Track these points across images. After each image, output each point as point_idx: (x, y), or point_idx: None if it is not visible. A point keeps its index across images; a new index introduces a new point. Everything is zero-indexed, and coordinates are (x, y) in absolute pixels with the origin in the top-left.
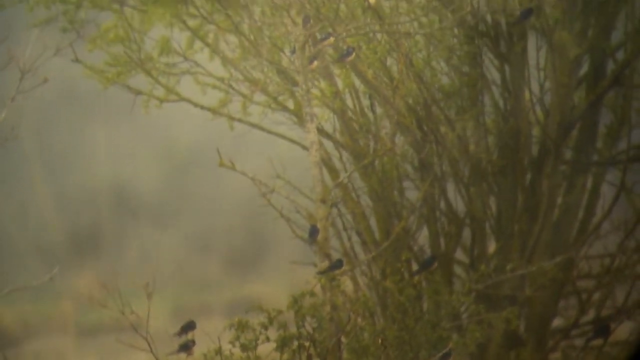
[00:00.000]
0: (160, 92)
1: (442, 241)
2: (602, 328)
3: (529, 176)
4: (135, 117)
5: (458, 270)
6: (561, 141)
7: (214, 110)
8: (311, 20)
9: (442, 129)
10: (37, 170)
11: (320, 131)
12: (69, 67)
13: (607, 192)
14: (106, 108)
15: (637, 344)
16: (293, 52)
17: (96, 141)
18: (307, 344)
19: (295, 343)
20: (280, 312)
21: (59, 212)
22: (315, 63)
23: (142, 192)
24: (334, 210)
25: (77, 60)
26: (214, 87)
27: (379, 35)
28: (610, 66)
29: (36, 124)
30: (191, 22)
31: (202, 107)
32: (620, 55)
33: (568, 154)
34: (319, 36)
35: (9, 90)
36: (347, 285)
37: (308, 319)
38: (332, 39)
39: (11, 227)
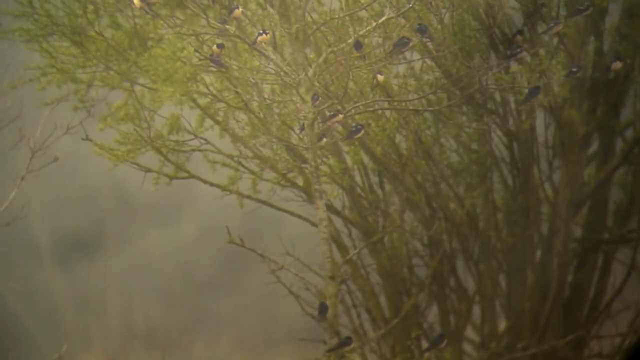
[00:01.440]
0: (170, 169)
1: (452, 319)
2: None
3: (539, 254)
4: (145, 195)
5: (468, 348)
6: (571, 219)
7: (223, 188)
8: (320, 98)
9: (451, 205)
10: (46, 249)
11: (330, 208)
12: (79, 145)
13: (617, 270)
14: (116, 187)
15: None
16: (302, 129)
17: (104, 222)
18: None
19: None
20: None
21: (68, 292)
22: (324, 140)
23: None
24: (344, 287)
25: (87, 139)
26: (224, 164)
27: (387, 113)
28: (620, 144)
29: (45, 202)
30: (201, 100)
31: (211, 184)
32: (629, 133)
33: (578, 232)
34: (327, 113)
35: (19, 169)
36: None
37: None
38: (340, 116)
39: (20, 305)
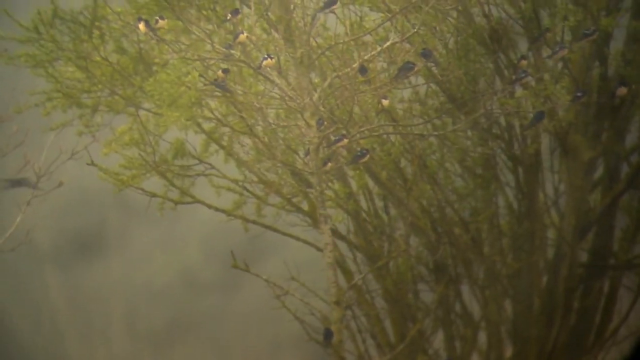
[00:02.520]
0: (175, 194)
1: (457, 344)
2: None
3: (545, 279)
4: (149, 218)
5: None
6: (577, 244)
7: (228, 212)
8: (325, 122)
9: (457, 230)
10: (50, 274)
11: (335, 233)
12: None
13: (624, 296)
14: (121, 210)
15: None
16: (307, 154)
17: (110, 244)
18: None
19: None
20: None
21: (72, 316)
22: (329, 165)
23: (155, 296)
24: (349, 313)
25: (92, 164)
26: (229, 189)
27: (392, 137)
28: (625, 169)
29: (50, 227)
30: (206, 125)
31: (216, 209)
32: (634, 158)
33: (584, 257)
34: (332, 138)
35: (24, 194)
36: None
37: None
38: (345, 141)
39: (24, 331)
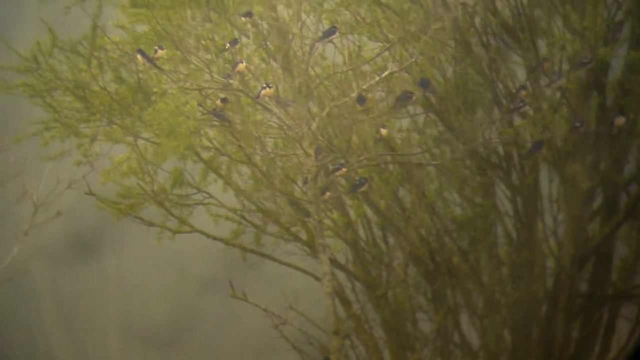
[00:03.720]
0: (173, 223)
1: None
2: None
3: (544, 308)
4: (147, 247)
5: None
6: (576, 274)
7: (227, 242)
8: (323, 152)
9: (455, 260)
10: (47, 304)
11: (333, 262)
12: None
13: (623, 326)
14: (118, 240)
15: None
16: (305, 183)
17: (106, 274)
18: None
19: None
20: None
21: (68, 347)
22: (328, 194)
23: (151, 324)
24: (347, 342)
25: (90, 193)
26: (227, 218)
27: (391, 166)
28: (624, 199)
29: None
30: (204, 154)
31: (215, 238)
32: (633, 188)
33: (583, 287)
34: (331, 167)
35: (22, 224)
36: None
37: None
38: (344, 170)
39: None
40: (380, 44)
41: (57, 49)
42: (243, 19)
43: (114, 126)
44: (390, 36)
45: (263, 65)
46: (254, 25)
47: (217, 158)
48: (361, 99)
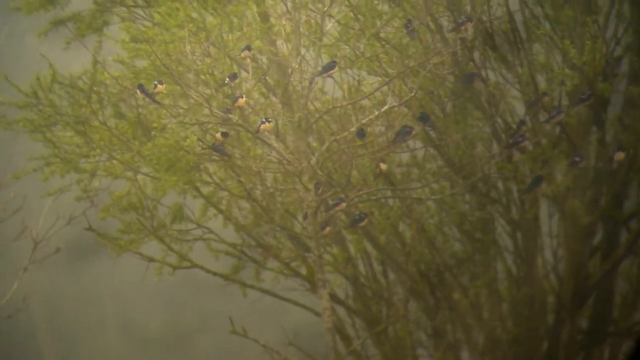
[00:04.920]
0: (173, 258)
1: None
2: None
3: (544, 345)
4: (145, 282)
5: None
6: (577, 310)
7: (226, 277)
8: (323, 186)
9: (455, 295)
10: (46, 341)
11: (333, 297)
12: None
13: None
14: (117, 276)
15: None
16: (305, 217)
17: (106, 313)
18: None
19: None
20: None
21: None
22: (328, 229)
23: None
24: None
25: (90, 229)
26: (227, 253)
27: (390, 201)
28: (624, 235)
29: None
30: (204, 189)
31: (214, 274)
32: (633, 224)
33: (584, 324)
34: (330, 202)
35: (21, 260)
36: None
37: None
38: (344, 205)
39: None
40: (379, 78)
41: (57, 84)
42: (242, 53)
43: (114, 161)
44: (390, 71)
45: (262, 100)
46: (254, 59)
47: (217, 193)
48: (361, 134)
